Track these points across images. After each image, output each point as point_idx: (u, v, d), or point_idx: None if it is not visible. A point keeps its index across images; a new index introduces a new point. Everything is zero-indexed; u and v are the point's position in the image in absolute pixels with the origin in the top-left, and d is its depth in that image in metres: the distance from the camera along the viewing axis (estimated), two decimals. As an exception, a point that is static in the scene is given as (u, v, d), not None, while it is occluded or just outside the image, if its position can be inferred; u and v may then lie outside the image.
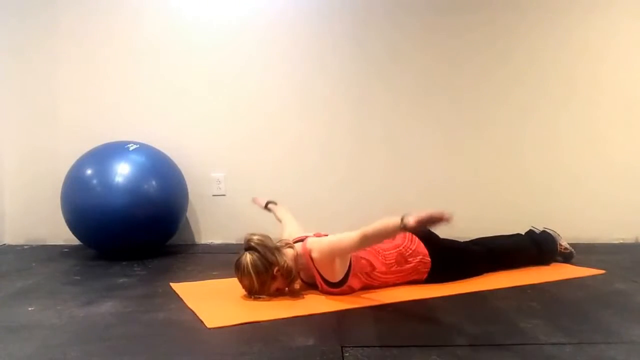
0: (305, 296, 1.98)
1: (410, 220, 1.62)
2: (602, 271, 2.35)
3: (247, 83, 3.08)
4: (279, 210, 2.47)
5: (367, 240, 1.83)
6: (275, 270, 1.89)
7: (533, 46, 3.08)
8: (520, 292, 2.06)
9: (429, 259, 2.13)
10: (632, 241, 3.11)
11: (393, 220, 1.69)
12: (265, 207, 2.52)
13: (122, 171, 2.57)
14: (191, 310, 1.82)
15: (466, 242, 2.40)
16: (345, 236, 1.87)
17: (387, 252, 2.08)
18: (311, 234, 2.09)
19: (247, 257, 1.88)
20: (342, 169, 3.11)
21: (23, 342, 1.55)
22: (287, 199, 3.07)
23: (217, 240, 3.11)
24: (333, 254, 1.91)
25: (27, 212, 3.08)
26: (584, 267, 2.42)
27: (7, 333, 1.62)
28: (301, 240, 2.04)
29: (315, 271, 1.97)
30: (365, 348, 1.48)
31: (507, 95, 3.11)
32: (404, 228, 1.66)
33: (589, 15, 3.07)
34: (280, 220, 2.39)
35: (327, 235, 2.08)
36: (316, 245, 1.94)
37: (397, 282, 2.10)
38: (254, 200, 2.61)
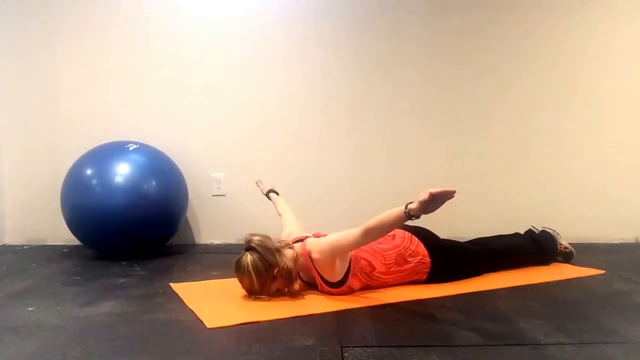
0: (305, 296, 1.98)
1: (415, 205, 1.64)
2: (602, 271, 2.35)
3: (247, 83, 3.08)
4: (279, 203, 2.48)
5: (371, 234, 1.82)
6: (275, 271, 1.89)
7: (534, 46, 3.08)
8: (520, 292, 2.06)
9: (429, 259, 2.13)
10: (632, 241, 3.11)
11: (397, 210, 1.71)
12: (267, 194, 2.54)
13: (122, 171, 2.57)
14: (191, 310, 1.82)
15: (466, 242, 2.41)
16: (347, 233, 1.87)
17: (386, 253, 2.08)
18: (310, 234, 2.10)
19: (248, 258, 1.88)
20: (342, 169, 3.11)
21: (23, 342, 1.55)
22: (287, 199, 3.07)
23: (217, 240, 3.11)
24: (334, 254, 1.91)
25: (27, 212, 3.08)
26: (584, 267, 2.42)
27: (7, 333, 1.62)
28: (300, 240, 2.04)
29: (315, 272, 1.97)
30: (365, 348, 1.48)
31: (507, 94, 3.11)
32: (408, 214, 1.68)
33: (590, 15, 3.07)
34: (280, 215, 2.40)
35: (326, 235, 2.08)
36: (316, 247, 1.94)
37: (397, 282, 2.10)
38: (258, 183, 2.61)
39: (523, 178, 3.12)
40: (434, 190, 1.60)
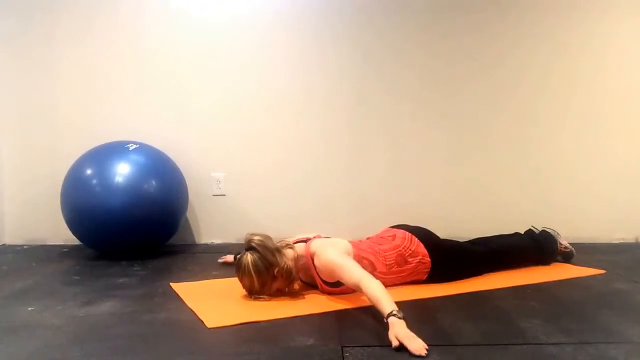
0: (305, 296, 1.98)
1: (391, 333, 1.49)
2: (602, 271, 2.35)
3: (247, 83, 3.08)
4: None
5: (359, 290, 1.77)
6: (275, 271, 1.89)
7: (534, 46, 3.08)
8: (520, 292, 2.06)
9: (429, 259, 2.13)
10: (632, 241, 3.11)
11: (387, 307, 1.59)
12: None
13: (122, 171, 2.57)
14: (191, 310, 1.82)
15: (466, 242, 2.41)
16: (348, 269, 1.84)
17: (387, 253, 2.08)
18: (312, 235, 2.10)
19: (248, 257, 1.88)
20: (342, 169, 3.11)
21: (23, 342, 1.55)
22: (287, 199, 3.09)
23: (217, 240, 3.11)
24: (332, 274, 1.91)
25: (27, 212, 3.08)
26: (584, 267, 2.42)
27: (7, 333, 1.62)
28: (303, 241, 2.04)
29: (315, 273, 1.97)
30: (365, 348, 1.48)
31: (507, 94, 3.10)
32: (386, 318, 1.56)
33: (589, 14, 3.07)
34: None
35: (328, 237, 2.08)
36: (321, 256, 1.94)
37: (397, 282, 2.09)
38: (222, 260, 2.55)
39: (523, 178, 3.12)
40: (415, 346, 1.43)
